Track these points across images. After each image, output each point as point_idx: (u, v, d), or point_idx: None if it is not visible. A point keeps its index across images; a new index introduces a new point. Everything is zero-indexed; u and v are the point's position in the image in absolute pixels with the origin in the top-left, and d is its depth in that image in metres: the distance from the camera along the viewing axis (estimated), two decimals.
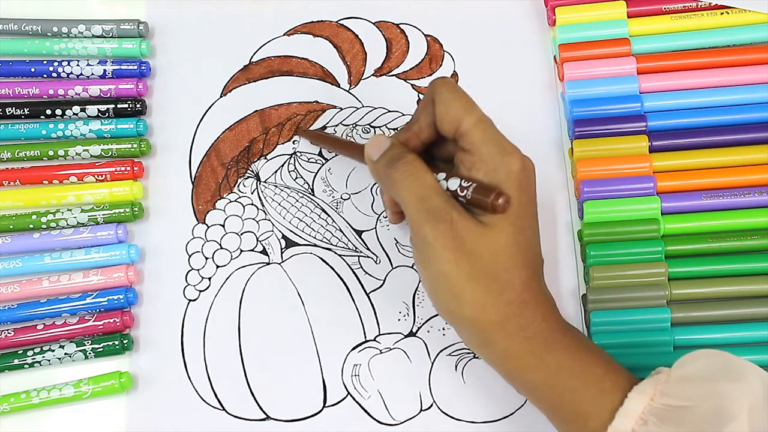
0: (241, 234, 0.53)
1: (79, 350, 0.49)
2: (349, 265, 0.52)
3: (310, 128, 0.55)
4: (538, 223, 0.42)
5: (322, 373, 0.50)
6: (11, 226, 0.53)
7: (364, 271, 0.52)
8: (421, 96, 0.56)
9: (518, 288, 0.40)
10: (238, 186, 0.54)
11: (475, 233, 0.39)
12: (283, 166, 0.55)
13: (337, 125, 0.56)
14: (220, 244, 0.53)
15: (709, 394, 0.37)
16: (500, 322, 0.40)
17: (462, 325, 0.41)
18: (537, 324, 0.40)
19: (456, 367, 0.50)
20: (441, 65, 0.57)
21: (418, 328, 0.51)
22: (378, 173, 0.43)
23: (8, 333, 0.50)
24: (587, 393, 0.39)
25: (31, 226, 0.53)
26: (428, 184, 0.40)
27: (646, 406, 0.38)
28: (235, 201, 0.54)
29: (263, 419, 0.49)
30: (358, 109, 0.56)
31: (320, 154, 0.55)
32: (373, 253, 0.52)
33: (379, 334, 0.51)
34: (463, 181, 0.40)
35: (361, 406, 0.49)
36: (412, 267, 0.52)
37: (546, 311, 0.41)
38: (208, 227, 0.53)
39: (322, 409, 0.49)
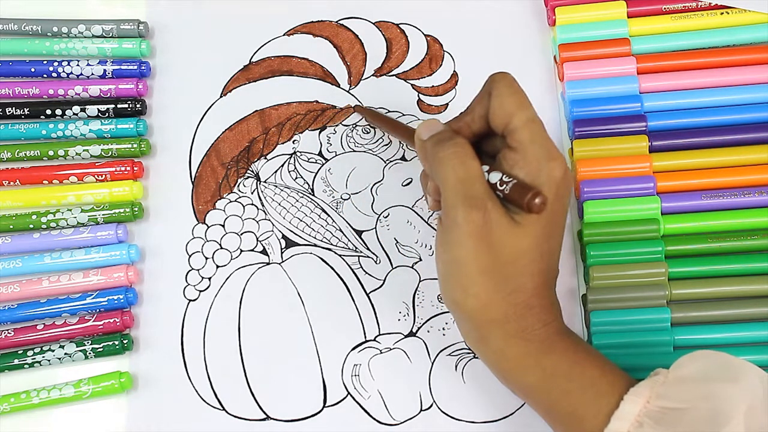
0: (241, 234, 0.53)
1: (79, 350, 0.49)
2: (349, 265, 0.52)
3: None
4: (562, 237, 0.42)
5: (322, 373, 0.50)
6: (11, 226, 0.53)
7: (364, 271, 0.52)
8: (421, 96, 0.56)
9: (528, 292, 0.40)
10: (238, 186, 0.54)
11: (504, 229, 0.39)
12: (283, 166, 0.55)
13: (337, 125, 0.56)
14: (220, 244, 0.53)
15: (706, 395, 0.37)
16: (501, 320, 0.40)
17: (463, 317, 0.41)
18: (537, 329, 0.40)
19: (456, 367, 0.50)
20: (441, 65, 0.57)
21: (418, 328, 0.51)
22: (425, 152, 0.42)
23: (8, 333, 0.50)
24: (583, 396, 0.39)
25: (31, 226, 0.53)
26: (472, 169, 0.39)
27: (641, 408, 0.38)
28: (235, 201, 0.54)
29: (263, 419, 0.49)
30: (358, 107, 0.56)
31: (320, 154, 0.55)
32: (373, 253, 0.52)
33: (379, 334, 0.51)
34: (504, 176, 0.39)
35: (361, 406, 0.49)
36: (412, 267, 0.52)
37: (548, 317, 0.41)
38: (208, 227, 0.53)
39: (322, 409, 0.49)
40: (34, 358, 0.49)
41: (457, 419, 0.49)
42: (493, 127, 0.41)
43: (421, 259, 0.52)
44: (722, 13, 0.55)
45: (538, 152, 0.39)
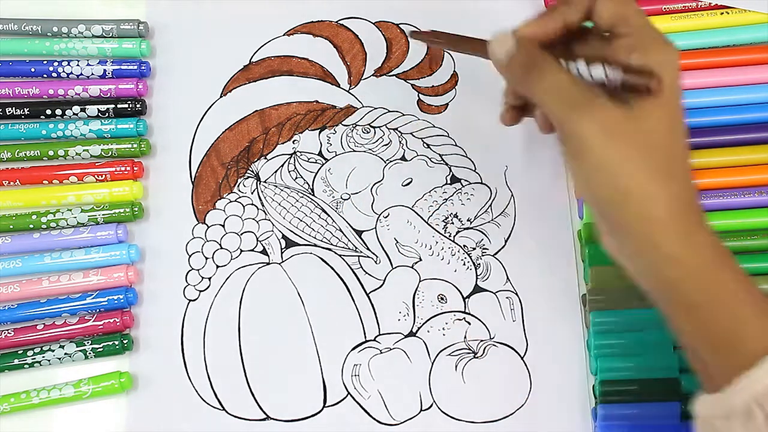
0: (241, 234, 0.53)
1: (79, 350, 0.49)
2: (349, 265, 0.52)
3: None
4: (684, 122, 0.38)
5: (322, 373, 0.50)
6: (11, 226, 0.53)
7: (364, 271, 0.52)
8: (421, 96, 0.56)
9: (684, 180, 0.37)
10: (238, 186, 0.54)
11: (628, 119, 0.36)
12: (283, 166, 0.55)
13: (337, 125, 0.56)
14: (220, 244, 0.53)
15: None
16: (670, 219, 0.36)
17: (626, 224, 0.37)
18: (706, 232, 0.37)
19: (456, 367, 0.50)
20: (441, 65, 0.57)
21: (418, 328, 0.51)
22: (512, 75, 0.41)
23: (8, 333, 0.50)
24: (754, 324, 0.35)
25: (31, 226, 0.53)
26: (566, 78, 0.37)
27: None
28: (235, 201, 0.54)
29: (263, 419, 0.49)
30: (358, 109, 0.56)
31: (320, 154, 0.55)
32: (373, 253, 0.52)
33: (379, 334, 0.51)
34: (607, 66, 0.37)
35: (361, 406, 0.49)
36: (412, 267, 0.52)
37: (710, 227, 0.37)
38: (208, 227, 0.53)
39: (322, 409, 0.49)
40: (34, 358, 0.49)
41: (457, 419, 0.49)
42: (599, 18, 0.39)
43: (421, 259, 0.52)
44: (722, 13, 0.55)
45: (656, 35, 0.38)
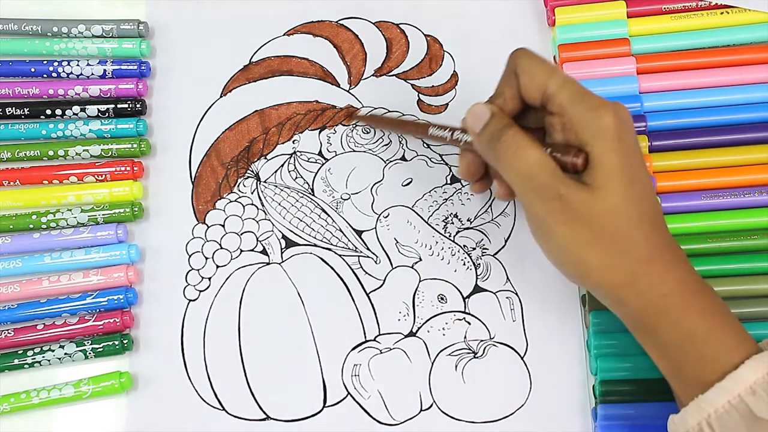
0: (241, 234, 0.53)
1: (79, 350, 0.49)
2: (349, 265, 0.52)
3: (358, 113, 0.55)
4: (647, 171, 0.41)
5: (322, 373, 0.50)
6: (11, 226, 0.53)
7: (364, 271, 0.52)
8: (421, 96, 0.56)
9: (642, 245, 0.39)
10: (238, 186, 0.54)
11: (585, 202, 0.39)
12: (283, 166, 0.55)
13: (336, 125, 0.56)
14: (220, 244, 0.53)
15: None
16: (630, 282, 0.39)
17: (592, 288, 0.41)
18: (670, 282, 0.40)
19: (456, 367, 0.50)
20: (441, 65, 0.57)
21: (418, 328, 0.51)
22: (481, 147, 0.43)
23: (8, 333, 0.50)
24: (717, 363, 0.39)
25: (31, 226, 0.53)
26: (532, 161, 0.39)
27: (759, 379, 0.38)
28: (235, 201, 0.54)
29: (263, 419, 0.49)
30: (358, 109, 0.56)
31: (320, 153, 0.55)
32: (373, 253, 0.52)
33: (379, 334, 0.51)
34: (545, 148, 0.40)
35: (361, 406, 0.49)
36: (412, 267, 0.52)
37: (678, 266, 0.40)
38: (208, 227, 0.53)
39: (322, 409, 0.49)
40: (34, 358, 0.49)
41: (457, 419, 0.49)
42: (529, 101, 0.42)
43: (421, 259, 0.52)
44: (722, 13, 0.55)
45: (581, 109, 0.39)
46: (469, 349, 0.50)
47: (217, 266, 0.52)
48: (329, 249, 0.53)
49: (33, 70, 0.56)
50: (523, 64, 0.41)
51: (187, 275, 0.52)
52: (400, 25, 0.58)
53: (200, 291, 0.52)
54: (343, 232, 0.53)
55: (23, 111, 0.55)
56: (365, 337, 0.51)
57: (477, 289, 0.51)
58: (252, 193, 0.54)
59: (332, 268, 0.52)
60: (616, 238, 0.39)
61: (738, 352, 0.39)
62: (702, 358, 0.39)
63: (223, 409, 0.49)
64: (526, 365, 0.50)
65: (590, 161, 0.39)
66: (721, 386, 0.38)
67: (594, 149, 0.39)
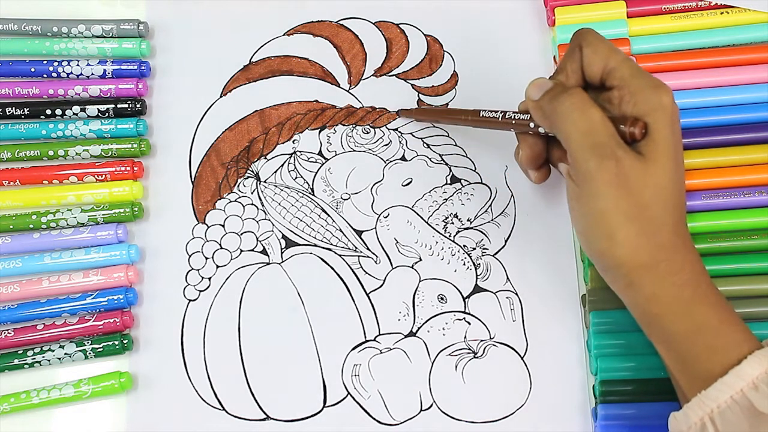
0: (241, 234, 0.53)
1: (79, 350, 0.49)
2: (349, 265, 0.52)
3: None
4: (683, 163, 0.42)
5: (322, 373, 0.50)
6: (11, 226, 0.53)
7: (364, 271, 0.52)
8: (421, 96, 0.56)
9: (671, 230, 0.40)
10: (238, 186, 0.54)
11: (639, 171, 0.39)
12: (283, 165, 0.55)
13: (336, 125, 0.56)
14: (220, 244, 0.53)
15: None
16: (650, 265, 0.40)
17: (610, 266, 0.41)
18: (687, 272, 0.40)
19: (456, 367, 0.50)
20: (441, 65, 0.57)
21: (418, 328, 0.51)
22: (541, 110, 0.43)
23: (8, 333, 0.50)
24: (725, 356, 0.39)
25: (31, 226, 0.53)
26: (595, 119, 0.40)
27: (761, 374, 0.38)
28: (235, 201, 0.54)
29: (263, 419, 0.49)
30: (358, 109, 0.56)
31: (320, 153, 0.55)
32: (373, 253, 0.52)
33: (379, 334, 0.51)
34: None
35: (361, 406, 0.49)
36: (412, 267, 0.52)
37: (694, 260, 0.41)
38: (208, 227, 0.53)
39: (322, 409, 0.49)
40: (34, 358, 0.49)
41: (457, 419, 0.49)
42: (589, 76, 0.43)
43: (421, 259, 0.52)
44: (722, 13, 0.55)
45: (643, 83, 0.40)
46: (469, 349, 0.50)
47: (217, 266, 0.52)
48: (329, 249, 0.53)
49: (33, 70, 0.56)
50: (588, 39, 0.43)
51: (187, 275, 0.52)
52: (400, 25, 0.58)
53: (200, 291, 0.52)
54: (343, 232, 0.53)
55: (23, 111, 0.55)
56: (365, 337, 0.51)
57: (477, 289, 0.51)
58: (252, 193, 0.54)
59: (332, 268, 0.52)
60: (654, 216, 0.39)
61: (744, 346, 0.39)
62: (710, 350, 0.39)
63: (223, 409, 0.49)
64: (526, 365, 0.50)
65: (648, 133, 0.40)
66: (723, 381, 0.38)
67: (653, 123, 0.40)
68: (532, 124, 0.45)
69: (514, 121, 0.46)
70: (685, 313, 0.40)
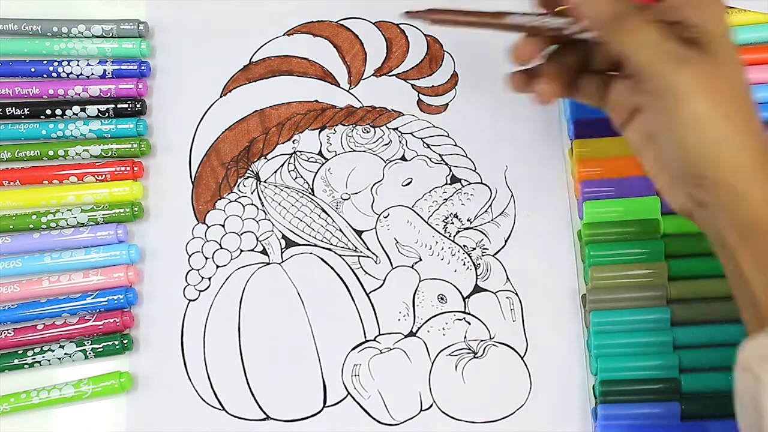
0: (241, 234, 0.53)
1: (79, 350, 0.49)
2: (349, 265, 0.52)
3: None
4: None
5: (322, 373, 0.50)
6: (11, 226, 0.53)
7: (364, 271, 0.52)
8: (421, 96, 0.56)
9: (758, 129, 0.38)
10: (238, 186, 0.54)
11: (716, 71, 0.38)
12: (283, 165, 0.55)
13: (336, 125, 0.56)
14: (220, 244, 0.53)
15: None
16: (753, 167, 0.37)
17: (720, 179, 0.38)
18: None
19: (456, 367, 0.50)
20: (441, 65, 0.57)
21: (418, 328, 0.51)
22: (604, 28, 0.40)
23: (8, 333, 0.50)
24: None
25: (31, 226, 0.53)
26: (660, 30, 0.39)
27: None
28: (235, 201, 0.54)
29: (263, 419, 0.49)
30: (358, 109, 0.56)
31: (320, 153, 0.55)
32: (373, 253, 0.52)
33: (379, 334, 0.51)
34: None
35: (361, 406, 0.49)
36: (412, 267, 0.52)
37: None
38: (208, 227, 0.53)
39: (322, 409, 0.49)
40: (34, 358, 0.49)
41: (457, 419, 0.49)
42: None
43: (421, 259, 0.52)
44: None
45: None
46: (469, 349, 0.50)
47: (217, 266, 0.52)
48: (329, 249, 0.53)
49: (33, 70, 0.56)
50: None
51: (187, 275, 0.52)
52: (400, 25, 0.58)
53: (200, 291, 0.52)
54: (343, 232, 0.53)
55: (23, 111, 0.55)
56: (365, 337, 0.51)
57: (477, 289, 0.51)
58: (252, 193, 0.54)
59: (332, 268, 0.52)
60: (750, 114, 0.38)
61: None
62: None
63: (223, 409, 0.49)
64: (526, 365, 0.50)
65: (711, 42, 0.38)
66: None
67: (715, 31, 0.39)
68: (569, 30, 0.42)
69: (550, 28, 0.42)
70: None
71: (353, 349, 0.50)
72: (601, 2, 0.40)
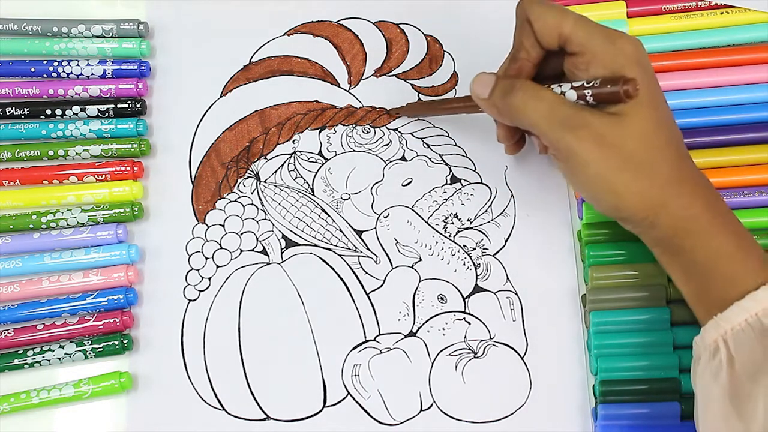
0: (241, 234, 0.53)
1: (79, 350, 0.49)
2: (349, 265, 0.52)
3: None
4: (665, 100, 0.42)
5: (322, 373, 0.50)
6: (11, 226, 0.53)
7: (364, 271, 0.52)
8: (421, 96, 0.56)
9: (671, 167, 0.41)
10: (238, 186, 0.54)
11: (614, 127, 0.40)
12: (283, 165, 0.55)
13: (336, 125, 0.56)
14: (220, 244, 0.53)
15: None
16: (662, 204, 0.40)
17: (627, 217, 0.42)
18: (700, 204, 0.41)
19: (456, 367, 0.50)
20: (441, 65, 0.57)
21: (418, 328, 0.51)
22: (495, 107, 0.44)
23: (8, 333, 0.50)
24: (742, 283, 0.40)
25: (31, 226, 0.53)
26: (552, 98, 0.41)
27: None
28: (235, 201, 0.54)
29: (263, 419, 0.49)
30: (358, 109, 0.56)
31: (320, 153, 0.55)
32: (373, 253, 0.52)
33: (379, 334, 0.51)
34: (581, 83, 0.40)
35: (361, 406, 0.49)
36: (412, 267, 0.52)
37: (705, 190, 0.42)
38: (208, 227, 0.53)
39: (322, 409, 0.49)
40: (34, 358, 0.49)
41: (457, 419, 0.49)
42: (546, 46, 0.43)
43: (421, 259, 0.52)
44: (722, 13, 0.55)
45: (601, 41, 0.41)
46: (469, 349, 0.50)
47: (217, 266, 0.52)
48: (329, 249, 0.53)
49: (33, 70, 0.56)
50: (533, 12, 0.42)
51: (187, 275, 0.52)
52: (400, 25, 0.58)
53: (200, 291, 0.52)
54: (343, 232, 0.53)
55: (23, 111, 0.55)
56: (365, 337, 0.51)
57: (477, 289, 0.51)
58: (252, 193, 0.54)
59: (332, 268, 0.52)
60: (647, 161, 0.40)
61: (762, 274, 0.40)
62: (727, 277, 0.40)
63: (223, 409, 0.49)
64: (526, 365, 0.50)
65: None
66: (739, 305, 0.39)
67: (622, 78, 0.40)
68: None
69: (468, 106, 0.47)
70: (702, 244, 0.40)
71: (353, 349, 0.50)
72: (483, 82, 0.44)
